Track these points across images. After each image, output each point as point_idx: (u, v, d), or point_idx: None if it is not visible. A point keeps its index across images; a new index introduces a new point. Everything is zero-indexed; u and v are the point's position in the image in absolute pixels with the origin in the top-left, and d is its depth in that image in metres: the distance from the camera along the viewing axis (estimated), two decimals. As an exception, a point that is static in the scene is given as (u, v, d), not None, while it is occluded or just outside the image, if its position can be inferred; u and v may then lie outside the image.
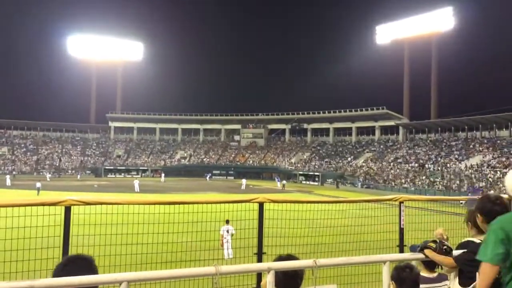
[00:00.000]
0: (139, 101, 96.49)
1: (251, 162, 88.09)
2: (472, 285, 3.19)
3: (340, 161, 78.06)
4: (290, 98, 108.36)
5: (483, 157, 56.14)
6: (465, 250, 3.42)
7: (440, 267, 3.69)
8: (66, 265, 2.42)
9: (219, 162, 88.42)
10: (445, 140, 68.78)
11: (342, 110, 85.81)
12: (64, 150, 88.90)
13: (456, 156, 60.69)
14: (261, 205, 5.81)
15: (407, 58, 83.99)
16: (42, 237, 5.45)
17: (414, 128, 77.64)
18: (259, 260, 5.70)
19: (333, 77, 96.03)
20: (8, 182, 51.77)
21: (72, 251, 4.40)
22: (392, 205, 7.21)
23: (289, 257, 2.99)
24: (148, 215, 7.07)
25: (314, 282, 2.86)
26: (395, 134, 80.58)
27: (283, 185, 60.32)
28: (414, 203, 9.20)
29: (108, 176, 79.61)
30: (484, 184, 47.21)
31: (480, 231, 3.45)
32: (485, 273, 2.64)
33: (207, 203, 7.03)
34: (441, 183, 53.79)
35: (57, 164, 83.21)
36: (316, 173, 74.70)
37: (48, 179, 63.21)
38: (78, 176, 72.73)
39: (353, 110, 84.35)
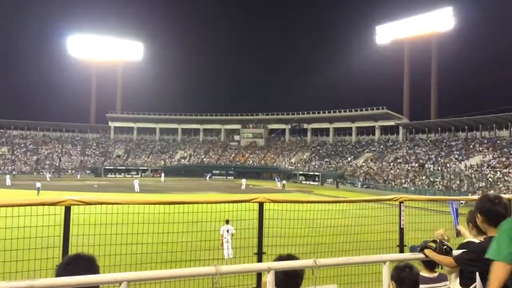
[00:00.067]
0: (139, 101, 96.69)
1: (251, 162, 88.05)
2: (472, 286, 3.18)
3: (340, 161, 78.03)
4: (290, 98, 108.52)
5: (483, 157, 56.14)
6: (465, 250, 3.42)
7: (440, 267, 3.68)
8: (68, 264, 2.42)
9: (219, 162, 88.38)
10: (445, 140, 68.76)
11: (342, 110, 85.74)
12: (64, 150, 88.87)
13: (456, 156, 60.68)
14: (261, 205, 5.82)
15: (407, 58, 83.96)
16: (42, 237, 5.46)
17: (414, 128, 77.60)
18: (259, 260, 5.70)
19: (333, 77, 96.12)
20: (8, 182, 51.76)
21: (72, 251, 4.40)
22: (392, 205, 7.22)
23: (289, 257, 2.99)
24: (148, 215, 7.08)
25: (314, 282, 2.86)
26: (395, 134, 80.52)
27: (283, 185, 60.30)
28: (414, 203, 9.22)
29: (108, 176, 79.56)
30: (484, 184, 47.24)
31: (481, 232, 3.45)
32: (499, 272, 2.54)
33: (207, 203, 7.04)
34: (441, 183, 53.79)
35: (57, 164, 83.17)
36: (316, 173, 74.67)
37: (48, 179, 63.16)
38: (78, 176, 72.74)
39: (353, 110, 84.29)
